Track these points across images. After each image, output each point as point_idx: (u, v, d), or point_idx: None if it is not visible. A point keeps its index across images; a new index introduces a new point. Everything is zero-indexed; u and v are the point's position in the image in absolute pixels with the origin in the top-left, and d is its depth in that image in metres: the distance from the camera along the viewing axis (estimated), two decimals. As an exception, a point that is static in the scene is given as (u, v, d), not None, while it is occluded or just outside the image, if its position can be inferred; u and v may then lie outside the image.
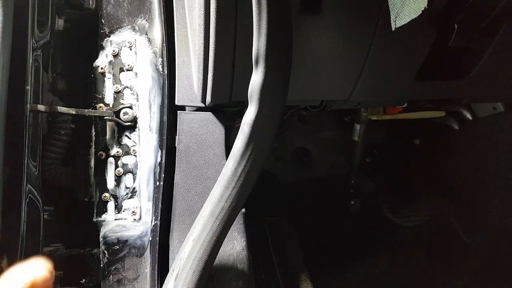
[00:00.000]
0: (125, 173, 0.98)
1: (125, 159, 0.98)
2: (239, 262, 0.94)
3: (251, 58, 0.56)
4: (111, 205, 0.97)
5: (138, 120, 0.98)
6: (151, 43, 0.99)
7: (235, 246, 0.94)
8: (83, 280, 0.94)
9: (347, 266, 1.34)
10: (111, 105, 0.97)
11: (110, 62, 0.97)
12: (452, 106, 1.34)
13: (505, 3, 0.74)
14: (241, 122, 0.62)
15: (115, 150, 0.98)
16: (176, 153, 0.94)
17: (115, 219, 0.96)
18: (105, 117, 0.95)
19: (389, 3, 0.65)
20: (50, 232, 0.92)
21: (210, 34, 0.71)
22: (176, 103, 0.94)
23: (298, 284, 1.17)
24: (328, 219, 1.52)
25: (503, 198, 1.33)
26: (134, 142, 0.98)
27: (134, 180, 0.99)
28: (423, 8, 0.59)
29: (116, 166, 0.98)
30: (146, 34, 0.99)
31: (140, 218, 0.97)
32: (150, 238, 0.95)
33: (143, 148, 0.98)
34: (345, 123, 1.48)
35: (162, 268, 0.91)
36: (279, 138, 1.50)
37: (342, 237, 1.49)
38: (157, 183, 0.94)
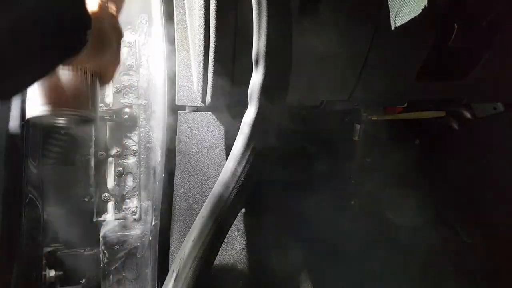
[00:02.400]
0: (125, 173, 0.98)
1: (125, 159, 0.98)
2: (239, 262, 0.94)
3: (251, 58, 0.56)
4: (111, 205, 0.97)
5: (138, 120, 0.98)
6: (151, 43, 0.99)
7: (235, 246, 0.94)
8: (83, 280, 0.94)
9: (347, 266, 1.34)
10: (111, 105, 0.97)
11: (110, 62, 0.96)
12: (452, 106, 1.34)
13: (505, 3, 0.74)
14: (241, 122, 0.62)
15: (115, 150, 0.98)
16: (176, 153, 0.94)
17: (115, 219, 0.96)
18: (105, 117, 0.95)
19: (389, 2, 0.65)
20: (50, 232, 0.92)
21: (210, 34, 0.71)
22: (176, 103, 0.94)
23: (298, 284, 1.17)
24: (328, 219, 1.52)
25: (503, 198, 1.33)
26: (134, 142, 0.99)
27: (134, 180, 0.99)
28: (423, 7, 0.58)
29: (116, 166, 0.98)
30: (146, 34, 0.99)
31: (140, 218, 0.97)
32: (150, 238, 0.95)
33: (143, 148, 0.98)
34: (345, 123, 1.48)
35: (162, 268, 0.91)
36: (279, 138, 1.50)
37: (342, 237, 1.48)
38: (157, 183, 0.94)
